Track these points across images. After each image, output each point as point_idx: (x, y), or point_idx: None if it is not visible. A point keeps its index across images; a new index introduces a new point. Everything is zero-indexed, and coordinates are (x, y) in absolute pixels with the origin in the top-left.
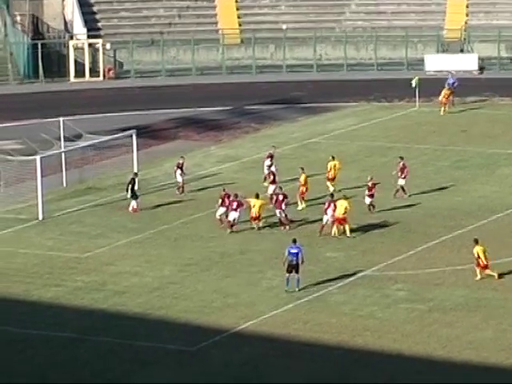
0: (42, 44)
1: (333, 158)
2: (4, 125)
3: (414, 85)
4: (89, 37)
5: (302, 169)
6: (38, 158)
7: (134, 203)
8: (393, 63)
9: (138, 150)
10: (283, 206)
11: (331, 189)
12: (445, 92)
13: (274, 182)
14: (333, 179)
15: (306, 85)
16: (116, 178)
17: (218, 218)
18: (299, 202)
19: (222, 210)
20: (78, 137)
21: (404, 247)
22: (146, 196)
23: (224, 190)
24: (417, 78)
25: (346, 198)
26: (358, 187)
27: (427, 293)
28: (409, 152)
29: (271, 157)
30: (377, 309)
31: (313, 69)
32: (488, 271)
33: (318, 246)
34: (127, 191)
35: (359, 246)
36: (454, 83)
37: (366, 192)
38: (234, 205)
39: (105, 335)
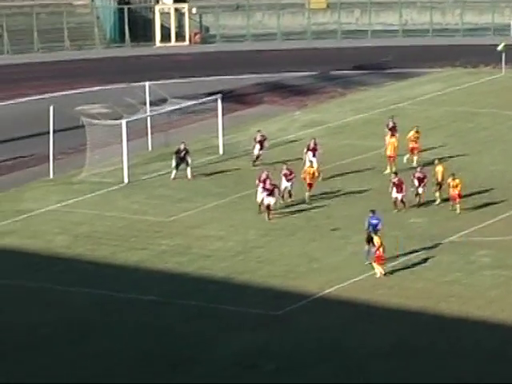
0: (128, 9)
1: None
2: (90, 89)
3: (500, 50)
4: (175, 1)
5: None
6: (123, 122)
7: (188, 171)
8: (479, 28)
9: (223, 114)
10: None
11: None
12: None
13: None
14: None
15: (391, 50)
16: (201, 143)
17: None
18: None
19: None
20: (164, 101)
21: (489, 214)
22: (231, 160)
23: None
24: (503, 43)
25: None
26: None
27: None
28: (494, 118)
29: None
30: (462, 275)
31: (398, 34)
32: None
33: (401, 211)
34: (176, 161)
35: (443, 213)
36: None
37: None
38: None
39: (189, 299)
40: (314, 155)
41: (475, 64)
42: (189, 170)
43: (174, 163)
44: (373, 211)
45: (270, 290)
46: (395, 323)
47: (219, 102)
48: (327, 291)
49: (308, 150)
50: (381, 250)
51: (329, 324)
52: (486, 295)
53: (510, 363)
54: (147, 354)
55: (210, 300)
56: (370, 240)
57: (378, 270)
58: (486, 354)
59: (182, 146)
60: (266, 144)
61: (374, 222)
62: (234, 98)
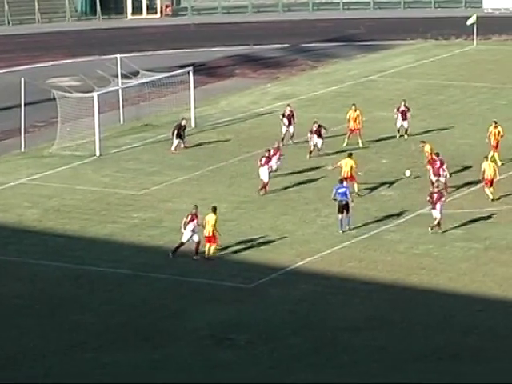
0: None
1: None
2: (61, 62)
3: (471, 22)
4: None
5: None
6: (95, 94)
7: (176, 142)
8: (451, 0)
9: (194, 87)
10: None
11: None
12: None
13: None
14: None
15: (362, 22)
16: (173, 115)
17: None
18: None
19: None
20: (135, 74)
21: (460, 185)
22: (202, 133)
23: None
24: (475, 15)
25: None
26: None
27: (483, 231)
28: (465, 90)
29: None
30: (432, 247)
31: (370, 6)
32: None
33: (372, 184)
34: (173, 134)
35: (414, 185)
36: None
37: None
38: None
39: (161, 272)
40: (289, 123)
41: (447, 36)
42: (181, 143)
43: (174, 135)
44: (341, 180)
45: (242, 262)
46: (366, 296)
47: (191, 74)
48: (298, 264)
49: (283, 116)
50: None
51: (300, 297)
52: (457, 267)
53: (482, 335)
54: (119, 328)
55: (181, 273)
56: (341, 209)
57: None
58: (458, 326)
59: (183, 123)
60: (323, 132)
61: (342, 190)
62: (205, 71)
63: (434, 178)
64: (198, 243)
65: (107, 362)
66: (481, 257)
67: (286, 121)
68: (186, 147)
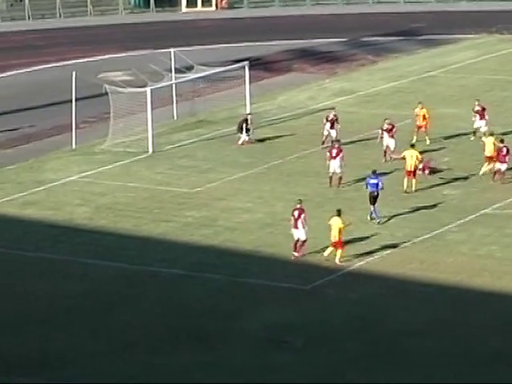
0: None
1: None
2: (114, 55)
3: None
4: None
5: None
6: (148, 89)
7: (244, 136)
8: None
9: (250, 82)
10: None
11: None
12: None
13: None
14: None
15: (424, 16)
16: (228, 111)
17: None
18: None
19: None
20: (190, 68)
21: None
22: (258, 130)
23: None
24: None
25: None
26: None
27: None
28: None
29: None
30: (496, 248)
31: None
32: None
33: (435, 183)
34: (239, 130)
35: (478, 184)
36: None
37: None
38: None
39: (215, 272)
40: (332, 127)
41: (511, 31)
42: (247, 137)
43: (241, 130)
44: (373, 171)
45: (298, 263)
46: (427, 298)
47: (246, 69)
48: (358, 265)
49: (327, 121)
50: (339, 235)
51: (358, 299)
52: None
53: None
54: (172, 329)
55: (236, 274)
56: (373, 201)
57: (328, 253)
58: None
59: (248, 117)
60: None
61: (373, 181)
62: (261, 66)
63: (499, 166)
64: (304, 241)
65: (159, 363)
66: None
67: (328, 125)
68: (251, 142)
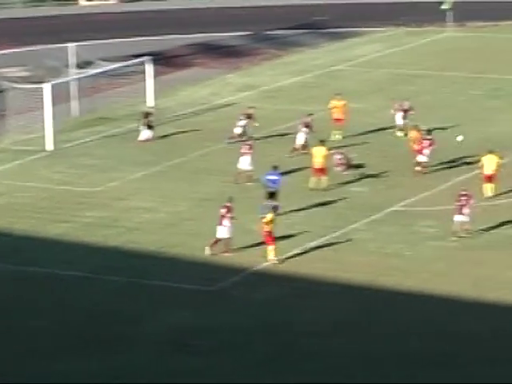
0: None
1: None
2: (9, 51)
3: (445, 7)
4: None
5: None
6: (46, 85)
7: (145, 133)
8: None
9: (152, 77)
10: None
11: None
12: None
13: None
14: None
15: (328, 8)
16: (129, 108)
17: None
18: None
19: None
20: (89, 64)
21: (434, 181)
22: (160, 126)
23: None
24: (450, 0)
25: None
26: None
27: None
28: (439, 80)
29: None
30: (404, 246)
31: None
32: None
33: (342, 180)
34: (140, 125)
35: (386, 180)
36: None
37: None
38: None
39: (117, 274)
40: (306, 132)
41: (419, 23)
42: (149, 133)
43: (142, 125)
44: (274, 167)
45: (203, 264)
46: (334, 298)
47: (148, 64)
48: (264, 265)
49: (303, 126)
50: (268, 228)
51: (265, 300)
52: (430, 268)
53: (457, 337)
54: (73, 333)
55: (138, 275)
56: (269, 196)
57: (271, 254)
58: (433, 329)
59: (149, 111)
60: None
61: (271, 177)
62: (163, 61)
63: (419, 158)
64: (229, 239)
65: (61, 369)
66: (455, 256)
67: (305, 129)
68: (152, 139)
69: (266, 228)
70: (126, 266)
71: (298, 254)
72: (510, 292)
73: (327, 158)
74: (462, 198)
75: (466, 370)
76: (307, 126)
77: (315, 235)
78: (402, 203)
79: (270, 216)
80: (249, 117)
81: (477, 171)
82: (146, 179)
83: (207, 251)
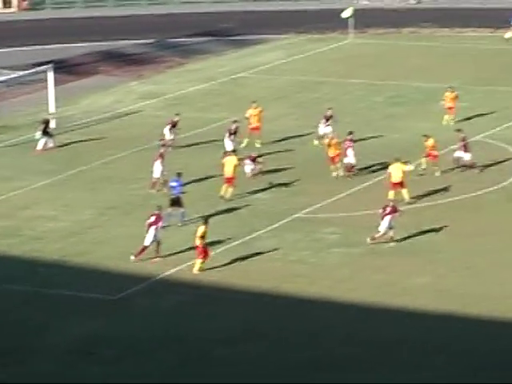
0: None
1: None
2: None
3: (347, 15)
4: None
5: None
6: None
7: (43, 141)
8: None
9: (54, 85)
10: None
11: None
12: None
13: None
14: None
15: (232, 16)
16: (31, 116)
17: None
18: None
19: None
20: None
21: (337, 188)
22: (62, 135)
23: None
24: (351, 8)
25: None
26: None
27: (361, 236)
28: (341, 87)
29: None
30: (308, 253)
31: None
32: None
33: (245, 186)
34: (39, 132)
35: (289, 187)
36: None
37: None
38: None
39: (20, 283)
40: (232, 139)
41: (321, 30)
42: (49, 142)
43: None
44: (178, 174)
45: (107, 272)
46: (239, 306)
47: (50, 72)
48: (167, 273)
49: (230, 133)
50: (200, 243)
51: (169, 308)
52: (334, 274)
53: (360, 344)
54: None
55: (42, 285)
56: (172, 203)
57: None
58: (336, 335)
59: (49, 118)
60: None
61: (173, 184)
62: (66, 69)
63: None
64: (159, 245)
65: None
66: (359, 263)
67: (231, 136)
68: (53, 147)
69: (199, 242)
70: (30, 275)
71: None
72: (412, 298)
73: (236, 168)
74: (388, 207)
75: (369, 375)
76: (233, 132)
77: (220, 242)
78: (306, 210)
79: (201, 229)
80: (174, 125)
81: (379, 178)
82: (49, 188)
83: (132, 259)
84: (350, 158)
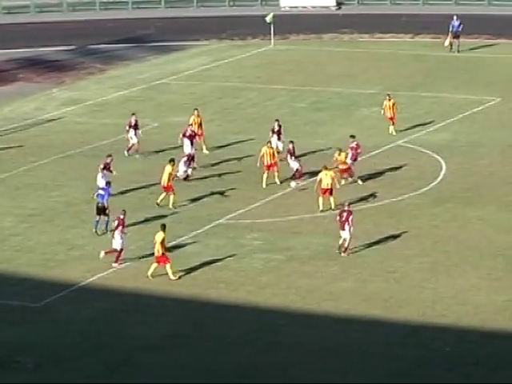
0: None
1: None
2: None
3: (268, 21)
4: None
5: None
6: None
7: None
8: None
9: None
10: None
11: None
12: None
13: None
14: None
15: (153, 22)
16: None
17: None
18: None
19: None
20: None
21: (260, 194)
22: None
23: None
24: (272, 14)
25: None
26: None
27: (284, 242)
28: (264, 93)
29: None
30: (231, 259)
31: (161, 5)
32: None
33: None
34: None
35: (213, 194)
36: (459, 26)
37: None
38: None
39: None
40: (191, 143)
41: (243, 36)
42: None
43: None
44: (108, 182)
45: (29, 280)
46: (163, 312)
47: None
48: (90, 280)
49: (184, 135)
50: (162, 249)
51: (92, 315)
52: (258, 280)
53: (285, 350)
54: None
55: None
56: (98, 211)
57: (152, 270)
58: (260, 342)
59: None
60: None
61: (100, 192)
62: None
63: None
64: (121, 251)
65: None
66: (283, 268)
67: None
68: None
69: (159, 248)
70: None
71: (127, 268)
72: (335, 303)
73: (171, 176)
74: (344, 214)
75: (293, 382)
76: (188, 136)
77: (143, 249)
78: (229, 216)
79: (161, 235)
80: (136, 127)
81: (303, 183)
82: None
83: (101, 255)
84: (295, 164)
